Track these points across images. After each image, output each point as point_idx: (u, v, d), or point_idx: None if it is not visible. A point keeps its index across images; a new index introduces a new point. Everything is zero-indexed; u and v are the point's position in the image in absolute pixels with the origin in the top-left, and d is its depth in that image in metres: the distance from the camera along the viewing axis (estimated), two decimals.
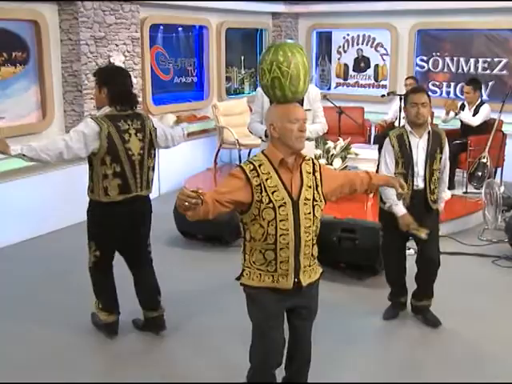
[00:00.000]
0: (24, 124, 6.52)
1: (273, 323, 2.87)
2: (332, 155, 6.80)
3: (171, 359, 3.98)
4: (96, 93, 3.94)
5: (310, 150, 5.20)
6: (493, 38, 8.74)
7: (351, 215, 5.78)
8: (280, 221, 2.70)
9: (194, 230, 5.91)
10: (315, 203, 2.79)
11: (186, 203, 2.46)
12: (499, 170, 7.51)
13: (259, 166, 2.72)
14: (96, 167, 3.81)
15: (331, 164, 6.69)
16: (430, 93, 4.24)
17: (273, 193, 2.69)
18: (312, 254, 2.86)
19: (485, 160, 6.96)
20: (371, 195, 6.32)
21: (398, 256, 4.47)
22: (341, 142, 6.96)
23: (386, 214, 4.30)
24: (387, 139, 4.28)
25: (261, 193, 2.68)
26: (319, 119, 5.14)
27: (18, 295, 4.89)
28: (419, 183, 4.19)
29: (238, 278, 2.91)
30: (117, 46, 7.22)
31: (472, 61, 8.97)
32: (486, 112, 7.36)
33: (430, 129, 4.20)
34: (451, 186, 7.02)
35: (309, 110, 4.96)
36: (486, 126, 7.16)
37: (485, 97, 8.67)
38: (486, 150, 7.04)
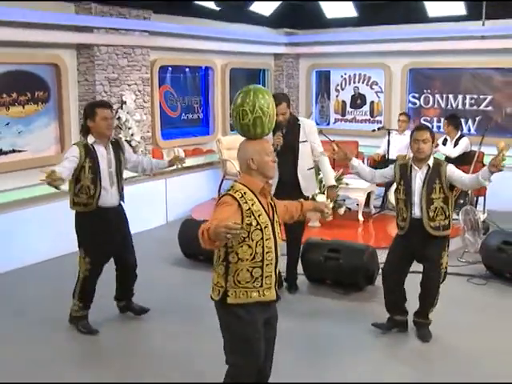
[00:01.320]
0: (44, 156, 7.13)
1: (259, 335, 3.13)
2: (324, 185, 7.33)
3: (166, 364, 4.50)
4: None
5: (310, 178, 5.74)
6: (478, 76, 9.38)
7: (344, 238, 6.34)
8: (266, 240, 3.07)
9: (196, 252, 6.45)
10: (279, 224, 3.26)
11: (229, 235, 2.65)
12: (483, 198, 8.00)
13: (244, 193, 3.05)
14: None
15: (323, 193, 7.23)
16: None
17: (259, 216, 3.05)
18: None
19: None
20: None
21: (398, 281, 4.72)
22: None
23: (398, 240, 4.73)
24: (393, 165, 4.77)
25: (250, 217, 3.01)
26: (319, 148, 5.63)
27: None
28: (416, 211, 4.54)
29: (222, 300, 3.08)
30: (129, 86, 7.92)
31: (460, 97, 9.59)
32: (464, 145, 7.95)
33: (430, 162, 4.53)
34: None
35: (305, 141, 5.53)
36: (468, 158, 7.66)
37: (472, 131, 9.35)
38: None
